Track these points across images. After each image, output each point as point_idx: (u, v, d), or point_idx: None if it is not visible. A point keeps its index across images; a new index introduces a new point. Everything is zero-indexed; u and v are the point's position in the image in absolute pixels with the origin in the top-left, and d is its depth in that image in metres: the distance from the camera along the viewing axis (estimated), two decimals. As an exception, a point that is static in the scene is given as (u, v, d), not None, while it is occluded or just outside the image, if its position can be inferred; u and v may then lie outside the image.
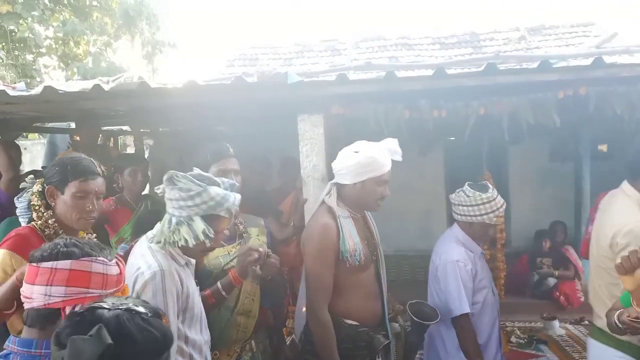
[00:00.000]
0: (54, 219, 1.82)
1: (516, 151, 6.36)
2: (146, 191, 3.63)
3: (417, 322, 2.36)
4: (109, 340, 0.95)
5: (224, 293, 2.05)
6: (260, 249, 2.08)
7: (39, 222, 1.82)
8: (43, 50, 11.80)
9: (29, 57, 11.51)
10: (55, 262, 1.24)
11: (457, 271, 2.39)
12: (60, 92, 2.69)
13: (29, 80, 10.23)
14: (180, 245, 1.78)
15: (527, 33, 7.15)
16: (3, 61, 10.28)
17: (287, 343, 3.60)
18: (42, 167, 4.90)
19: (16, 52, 11.02)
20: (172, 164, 5.34)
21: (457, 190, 2.55)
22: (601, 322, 2.11)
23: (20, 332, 1.32)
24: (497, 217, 2.45)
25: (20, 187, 2.08)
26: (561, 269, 5.48)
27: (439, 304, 2.45)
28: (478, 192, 2.44)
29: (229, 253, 2.21)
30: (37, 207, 1.83)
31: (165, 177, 1.78)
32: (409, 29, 7.91)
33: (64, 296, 1.23)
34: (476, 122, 2.90)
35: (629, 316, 1.59)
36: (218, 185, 1.82)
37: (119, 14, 12.35)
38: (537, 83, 2.66)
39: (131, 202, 3.30)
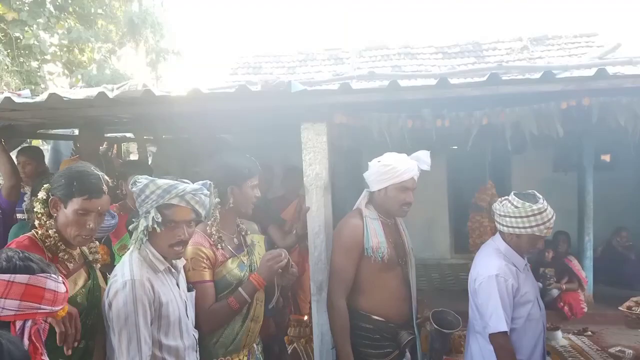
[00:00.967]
0: (54, 230, 1.78)
1: (519, 161, 6.36)
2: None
3: (438, 329, 2.44)
4: None
5: (247, 298, 2.11)
6: (286, 256, 2.18)
7: (40, 231, 1.78)
8: (48, 57, 11.85)
9: (34, 64, 11.57)
10: (13, 275, 1.26)
11: (495, 286, 2.25)
12: (65, 99, 2.70)
13: (33, 87, 10.28)
14: (144, 242, 1.86)
15: (530, 43, 7.18)
16: (8, 68, 10.33)
17: (289, 352, 3.59)
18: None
19: (21, 59, 11.07)
20: (175, 171, 5.37)
21: (501, 199, 2.41)
22: None
23: None
24: (547, 229, 2.28)
25: None
26: (565, 280, 5.46)
27: (477, 317, 2.38)
28: (528, 203, 2.26)
29: (243, 262, 2.23)
30: (39, 215, 1.80)
31: (130, 184, 1.90)
32: (412, 39, 7.96)
33: (17, 310, 1.25)
34: (479, 131, 2.90)
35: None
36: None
37: (124, 21, 12.43)
38: (540, 93, 2.67)
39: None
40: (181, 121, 3.79)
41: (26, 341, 1.26)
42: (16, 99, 2.77)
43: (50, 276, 1.32)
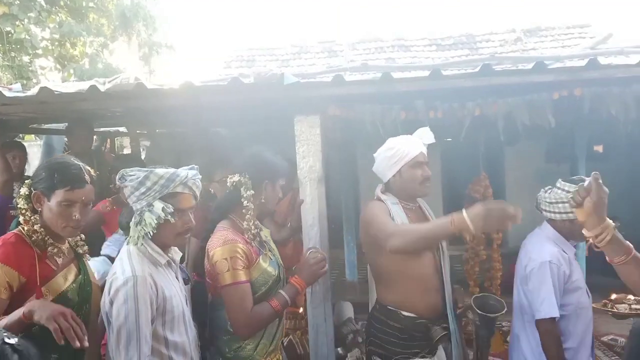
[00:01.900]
0: (39, 225, 1.76)
1: (512, 152, 6.38)
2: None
3: (483, 315, 2.38)
4: None
5: (289, 300, 2.05)
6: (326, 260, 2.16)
7: (26, 227, 1.76)
8: (39, 51, 11.78)
9: (26, 58, 11.49)
10: None
11: (548, 273, 2.24)
12: (56, 93, 2.68)
13: (25, 82, 10.21)
14: (151, 236, 1.80)
15: (523, 34, 7.19)
16: (0, 62, 10.25)
17: (285, 344, 3.61)
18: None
19: (12, 54, 10.99)
20: (169, 165, 5.36)
21: (547, 188, 2.40)
22: None
23: None
24: None
25: None
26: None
27: (526, 305, 2.38)
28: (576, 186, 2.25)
29: (272, 259, 2.18)
30: (23, 211, 1.77)
31: (117, 179, 1.83)
32: (406, 31, 7.94)
33: None
34: (472, 123, 2.91)
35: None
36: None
37: (116, 15, 12.36)
38: (532, 84, 2.67)
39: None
40: (174, 115, 3.77)
41: None
42: (7, 93, 2.75)
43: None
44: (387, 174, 2.41)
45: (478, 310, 2.39)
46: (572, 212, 2.20)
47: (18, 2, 10.55)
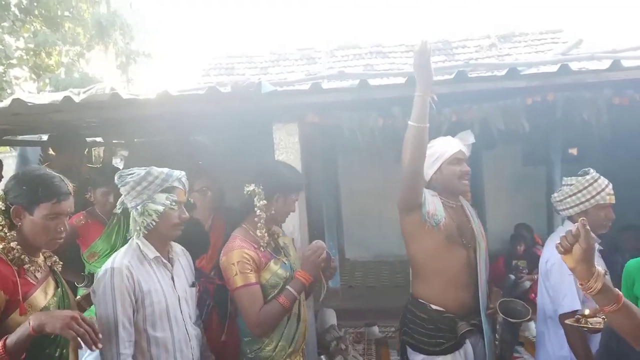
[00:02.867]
0: (16, 242, 1.70)
1: (490, 156, 6.46)
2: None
3: (507, 320, 2.42)
4: None
5: (296, 294, 2.15)
6: (324, 248, 2.22)
7: (1, 245, 1.69)
8: (14, 61, 11.56)
9: (0, 68, 11.27)
10: None
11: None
12: (29, 104, 2.64)
13: (-1, 92, 10.02)
14: (150, 228, 1.92)
15: (498, 40, 7.32)
16: (-28, 73, 10.04)
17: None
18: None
19: (-15, 64, 10.78)
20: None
21: (557, 191, 2.51)
22: None
23: None
24: (609, 195, 2.35)
25: None
26: (536, 270, 5.56)
27: (548, 302, 2.43)
28: (579, 177, 2.39)
29: (284, 262, 2.28)
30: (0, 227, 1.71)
31: (115, 179, 1.96)
32: (384, 37, 8.02)
33: None
34: (449, 128, 2.94)
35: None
36: None
37: (92, 24, 12.20)
38: (506, 90, 2.72)
39: (102, 215, 3.27)
40: (152, 124, 3.74)
41: None
42: (-22, 105, 2.69)
43: None
44: (429, 172, 2.49)
45: (502, 315, 2.44)
46: (584, 202, 2.34)
47: (-9, 11, 10.38)
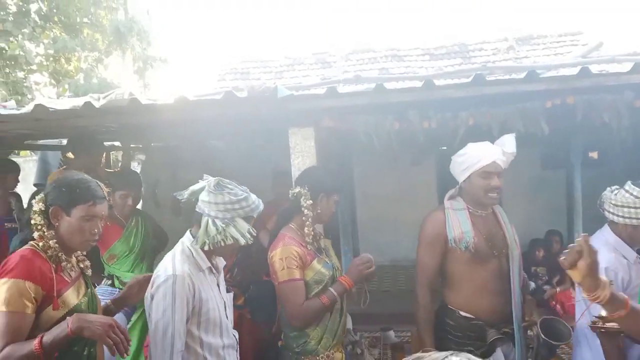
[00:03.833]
0: (55, 240, 1.78)
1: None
2: (138, 206, 3.63)
3: (545, 340, 2.33)
4: None
5: (337, 296, 2.25)
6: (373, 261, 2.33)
7: (41, 243, 1.78)
8: (34, 67, 11.80)
9: (20, 74, 11.51)
10: None
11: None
12: (51, 110, 2.68)
13: (20, 98, 10.21)
14: (210, 248, 1.93)
15: (516, 43, 7.24)
16: (-6, 79, 10.25)
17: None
18: (34, 185, 4.87)
19: (7, 70, 11.01)
20: (165, 179, 5.35)
21: (614, 188, 2.32)
22: None
23: None
24: None
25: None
26: (557, 278, 5.48)
27: (584, 309, 2.31)
28: None
29: (327, 262, 2.38)
30: (39, 227, 1.79)
31: (212, 184, 1.95)
32: (399, 41, 7.99)
33: None
34: (467, 131, 2.91)
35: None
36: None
37: (110, 30, 12.40)
38: (525, 93, 2.68)
39: (121, 218, 3.31)
40: (169, 128, 3.77)
41: None
42: (1, 111, 2.75)
43: None
44: (460, 178, 2.49)
45: (541, 335, 2.35)
46: (637, 218, 2.19)
47: (12, 18, 10.60)
